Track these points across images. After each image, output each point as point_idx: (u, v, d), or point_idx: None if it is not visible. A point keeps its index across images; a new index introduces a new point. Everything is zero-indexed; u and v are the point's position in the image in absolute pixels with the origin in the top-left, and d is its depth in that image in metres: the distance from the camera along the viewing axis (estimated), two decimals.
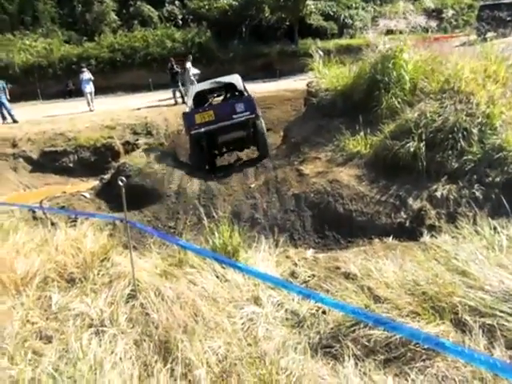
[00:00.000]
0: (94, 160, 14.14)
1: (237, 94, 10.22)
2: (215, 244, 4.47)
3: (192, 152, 9.71)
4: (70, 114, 17.55)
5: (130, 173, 8.37)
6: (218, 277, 3.85)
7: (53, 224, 6.07)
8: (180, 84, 18.21)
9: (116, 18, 24.25)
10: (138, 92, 21.71)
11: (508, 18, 25.88)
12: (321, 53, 13.24)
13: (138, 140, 14.79)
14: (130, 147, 14.29)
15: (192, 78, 17.10)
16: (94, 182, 10.73)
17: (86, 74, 18.38)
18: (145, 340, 3.02)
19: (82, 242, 4.36)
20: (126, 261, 4.07)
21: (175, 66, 18.28)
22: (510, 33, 25.64)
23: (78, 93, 19.79)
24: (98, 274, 3.98)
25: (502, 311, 2.81)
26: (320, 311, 3.35)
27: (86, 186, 10.90)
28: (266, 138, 9.77)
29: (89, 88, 18.30)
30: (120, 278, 3.83)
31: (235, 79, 10.21)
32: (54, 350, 2.93)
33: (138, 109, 17.45)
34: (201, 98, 10.54)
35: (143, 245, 5.74)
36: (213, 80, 10.39)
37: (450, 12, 34.71)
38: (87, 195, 8.64)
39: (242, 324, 3.18)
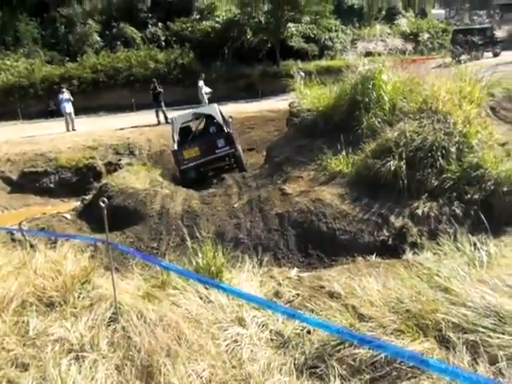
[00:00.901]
0: (76, 181, 13.97)
1: (215, 123, 11.57)
2: (199, 265, 4.42)
3: (182, 180, 10.85)
4: (51, 134, 17.38)
5: (112, 193, 8.28)
6: (201, 298, 3.80)
7: (32, 246, 5.92)
8: (163, 104, 18.30)
9: (99, 39, 24.33)
10: (120, 112, 21.68)
11: (480, 42, 26.94)
12: (302, 74, 13.53)
13: (120, 160, 14.71)
14: (112, 167, 14.18)
15: (204, 96, 17.14)
16: (75, 203, 10.57)
17: (66, 95, 18.30)
18: (126, 365, 2.94)
19: (62, 265, 4.26)
20: (107, 283, 3.99)
21: (158, 87, 18.39)
22: (482, 55, 26.70)
23: (59, 113, 19.64)
24: (79, 297, 3.89)
25: (484, 327, 2.84)
26: (305, 331, 3.32)
27: (67, 206, 10.73)
28: (242, 161, 11.50)
29: (68, 108, 18.19)
30: (101, 301, 3.74)
31: (213, 110, 11.63)
32: (30, 378, 2.82)
33: (121, 129, 17.40)
34: (185, 129, 11.95)
35: (125, 266, 5.64)
36: (193, 111, 12.19)
37: (426, 35, 35.91)
38: (68, 216, 8.50)
39: (227, 346, 3.13)
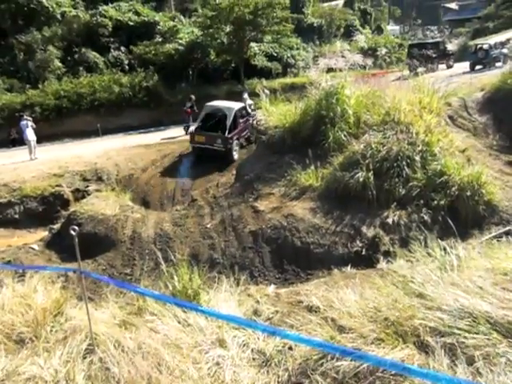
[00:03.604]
0: (42, 210, 13.51)
1: (225, 123, 14.67)
2: (175, 288, 4.35)
3: (192, 151, 15.67)
4: (14, 163, 16.86)
5: (82, 221, 8.10)
6: (180, 322, 3.73)
7: None
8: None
9: (60, 64, 23.93)
10: (86, 138, 21.31)
11: (434, 55, 28.18)
12: (267, 92, 13.79)
13: (88, 187, 14.37)
14: (80, 195, 13.81)
15: (248, 108, 17.37)
16: (42, 233, 10.23)
17: (27, 122, 17.86)
18: None
19: (32, 298, 4.10)
20: (81, 313, 3.86)
21: (194, 104, 19.00)
22: (437, 68, 27.90)
23: (22, 141, 19.09)
24: (51, 331, 3.74)
25: (459, 328, 2.91)
26: (286, 347, 3.31)
27: (35, 237, 10.36)
28: (232, 156, 14.53)
29: (30, 136, 17.74)
30: (76, 333, 3.61)
31: (228, 113, 14.84)
32: None
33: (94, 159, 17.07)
34: (208, 116, 15.46)
35: (99, 295, 5.49)
36: (217, 107, 15.58)
37: (383, 50, 37.34)
38: (36, 247, 8.23)
39: (209, 369, 3.07)
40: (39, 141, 18.53)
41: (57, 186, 14.13)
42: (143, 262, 6.98)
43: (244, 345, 3.37)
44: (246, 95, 18.55)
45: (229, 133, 14.52)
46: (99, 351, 3.34)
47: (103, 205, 9.24)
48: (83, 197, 13.02)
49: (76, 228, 3.27)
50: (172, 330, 3.57)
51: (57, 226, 9.16)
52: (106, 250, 7.49)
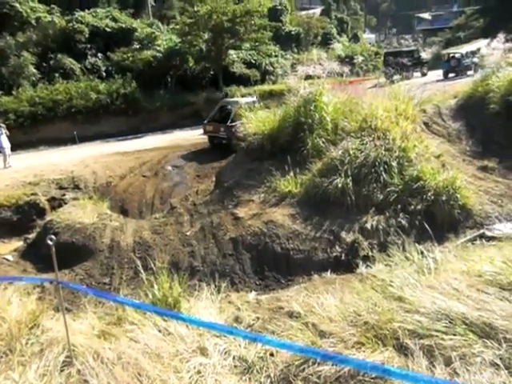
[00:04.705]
0: (17, 219, 13.14)
1: (231, 115, 16.44)
2: (155, 297, 4.30)
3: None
4: None
5: (58, 230, 7.94)
6: (160, 331, 3.68)
7: None
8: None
9: (35, 71, 23.45)
10: (62, 145, 20.94)
11: (409, 63, 28.93)
12: (255, 98, 13.88)
13: (64, 195, 14.08)
14: (56, 203, 13.52)
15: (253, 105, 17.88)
16: (17, 243, 9.96)
17: (1, 129, 17.44)
18: None
19: (6, 310, 3.98)
20: (58, 325, 3.77)
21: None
22: (412, 75, 28.58)
23: None
24: (27, 344, 3.64)
25: (437, 330, 2.97)
26: (268, 354, 3.31)
27: (9, 247, 10.07)
28: (232, 146, 14.38)
29: (4, 143, 17.32)
30: (53, 345, 3.52)
31: (234, 107, 16.54)
32: None
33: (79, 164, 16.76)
34: (221, 109, 18.05)
35: (77, 305, 5.39)
36: (226, 102, 18.29)
37: (360, 58, 38.14)
38: (10, 258, 8.01)
39: (190, 378, 3.05)
40: (13, 148, 18.10)
41: (32, 194, 13.79)
42: (122, 270, 6.88)
43: (225, 352, 3.36)
44: (255, 98, 18.95)
45: (231, 123, 16.00)
46: (77, 363, 3.27)
47: (80, 213, 9.08)
48: (60, 205, 12.74)
49: (53, 237, 3.21)
50: (152, 339, 3.53)
51: (32, 236, 8.96)
52: (83, 259, 7.35)
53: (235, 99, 18.48)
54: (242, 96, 22.15)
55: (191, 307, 4.25)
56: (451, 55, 28.47)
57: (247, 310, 4.41)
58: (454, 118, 11.42)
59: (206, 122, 17.78)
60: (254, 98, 19.19)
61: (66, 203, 12.51)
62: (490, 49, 14.25)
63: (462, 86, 13.82)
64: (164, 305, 4.13)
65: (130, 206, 13.27)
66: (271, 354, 3.30)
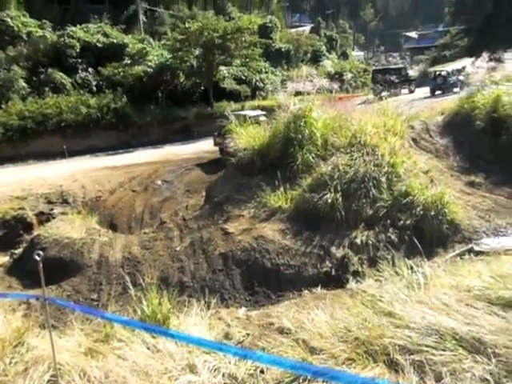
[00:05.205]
0: (3, 234, 12.95)
1: None
2: (144, 313, 4.25)
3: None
4: None
5: (46, 245, 7.81)
6: (149, 348, 3.63)
7: None
8: None
9: (25, 85, 23.39)
10: (51, 160, 20.78)
11: (397, 80, 29.50)
12: (260, 112, 13.98)
13: (53, 210, 13.93)
14: (44, 218, 13.35)
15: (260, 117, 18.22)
16: (3, 259, 9.78)
17: None
18: None
19: None
20: (44, 343, 3.70)
21: None
22: (400, 92, 29.10)
23: None
24: (11, 363, 3.55)
25: (427, 346, 2.98)
26: (258, 371, 3.27)
27: None
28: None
29: None
30: (38, 364, 3.44)
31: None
32: None
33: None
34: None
35: (64, 322, 5.29)
36: (235, 114, 16.42)
37: (349, 75, 38.74)
38: None
39: None
40: (1, 162, 17.96)
41: (19, 209, 13.62)
42: (111, 286, 6.79)
43: (215, 369, 3.31)
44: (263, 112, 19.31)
45: None
46: (63, 382, 3.20)
47: (69, 228, 8.97)
48: (48, 220, 12.58)
49: (40, 253, 3.17)
50: (141, 356, 3.47)
51: (19, 251, 8.80)
52: (71, 275, 7.24)
53: (243, 112, 18.65)
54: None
55: (181, 323, 4.21)
56: (438, 73, 29.09)
57: (237, 327, 4.37)
58: (441, 134, 11.60)
59: (216, 133, 17.78)
60: (263, 112, 19.63)
61: (54, 218, 12.36)
62: (475, 67, 14.56)
63: (449, 102, 14.08)
64: (153, 321, 4.08)
65: (119, 220, 13.16)
66: (261, 371, 3.26)
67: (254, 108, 24.72)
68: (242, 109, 21.93)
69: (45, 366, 3.38)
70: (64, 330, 4.54)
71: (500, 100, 11.13)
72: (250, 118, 15.63)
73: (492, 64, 14.74)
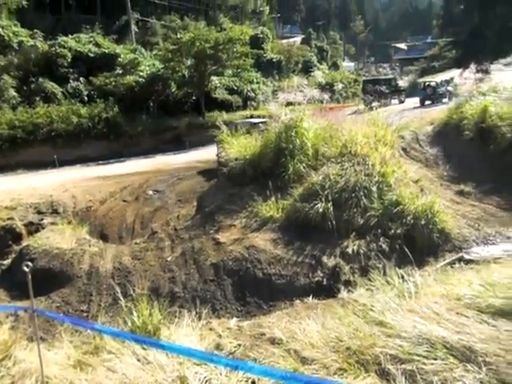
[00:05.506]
0: None
1: None
2: (134, 324, 4.20)
3: None
4: None
5: (35, 256, 7.73)
6: (139, 360, 3.58)
7: None
8: None
9: (15, 94, 23.29)
10: (42, 169, 20.62)
11: (387, 91, 29.85)
12: (259, 119, 14.09)
13: (42, 220, 13.76)
14: (33, 228, 13.19)
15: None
16: None
17: None
18: None
19: None
20: (32, 355, 3.64)
21: None
22: (390, 102, 29.44)
23: None
24: None
25: (418, 355, 2.98)
26: (250, 382, 3.24)
27: None
28: None
29: None
30: (25, 377, 3.38)
31: (245, 126, 15.26)
32: None
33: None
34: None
35: (52, 334, 5.21)
36: (242, 121, 17.81)
37: (340, 85, 39.13)
38: None
39: None
40: None
41: (8, 219, 13.43)
42: (101, 297, 6.72)
43: (206, 381, 3.28)
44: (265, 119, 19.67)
45: None
46: None
47: (59, 238, 8.88)
48: (37, 230, 12.43)
49: (29, 264, 3.13)
50: (131, 368, 3.43)
51: (7, 262, 8.70)
52: (60, 286, 7.15)
53: (247, 120, 19.09)
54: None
55: (171, 334, 4.16)
56: (427, 84, 29.47)
57: (228, 337, 4.34)
58: (431, 143, 11.74)
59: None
60: (265, 119, 19.85)
61: (43, 228, 12.22)
62: (463, 78, 14.82)
63: (438, 113, 14.27)
64: (143, 332, 4.04)
65: (109, 231, 13.03)
66: (253, 382, 3.23)
67: (255, 117, 24.95)
68: (251, 117, 22.67)
69: (32, 380, 3.33)
70: (53, 342, 4.48)
71: (488, 111, 11.31)
72: (255, 124, 15.80)
73: (479, 75, 14.99)
